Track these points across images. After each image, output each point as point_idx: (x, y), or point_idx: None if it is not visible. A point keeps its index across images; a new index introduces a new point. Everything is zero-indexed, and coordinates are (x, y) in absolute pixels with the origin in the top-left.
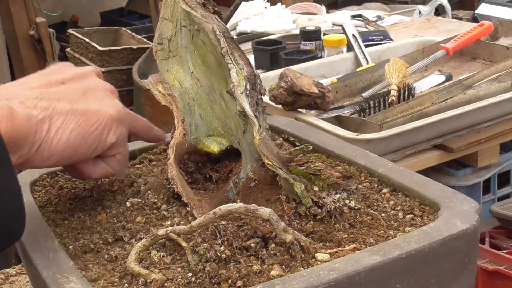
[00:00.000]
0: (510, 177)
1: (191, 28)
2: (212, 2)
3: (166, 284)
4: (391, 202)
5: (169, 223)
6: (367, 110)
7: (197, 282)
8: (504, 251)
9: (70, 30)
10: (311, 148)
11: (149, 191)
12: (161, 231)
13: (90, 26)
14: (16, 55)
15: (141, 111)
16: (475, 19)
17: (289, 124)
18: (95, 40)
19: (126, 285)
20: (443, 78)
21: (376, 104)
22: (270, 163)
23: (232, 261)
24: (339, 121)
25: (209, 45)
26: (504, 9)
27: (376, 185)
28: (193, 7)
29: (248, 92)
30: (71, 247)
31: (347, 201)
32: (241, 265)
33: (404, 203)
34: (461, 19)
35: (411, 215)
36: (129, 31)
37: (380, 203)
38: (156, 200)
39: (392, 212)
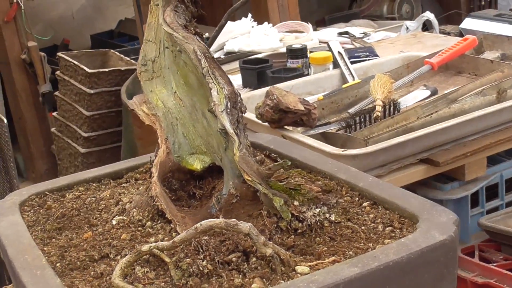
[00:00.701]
0: (499, 190)
1: (173, 49)
2: (193, 23)
3: None
4: (371, 215)
5: (153, 239)
6: (353, 126)
7: None
8: (494, 264)
9: (59, 54)
10: (289, 163)
11: (134, 209)
12: (144, 247)
13: (81, 49)
14: (8, 78)
15: (129, 131)
16: (460, 34)
17: (272, 141)
18: (84, 62)
19: None
20: (428, 92)
21: (362, 120)
22: (250, 178)
23: (214, 275)
24: (325, 137)
25: (190, 65)
26: (488, 23)
27: (357, 199)
28: (175, 29)
29: (228, 110)
30: (58, 264)
31: (327, 215)
32: (223, 279)
33: (384, 216)
34: (448, 33)
35: (390, 228)
36: (117, 53)
37: (360, 216)
38: (141, 218)
39: (372, 225)
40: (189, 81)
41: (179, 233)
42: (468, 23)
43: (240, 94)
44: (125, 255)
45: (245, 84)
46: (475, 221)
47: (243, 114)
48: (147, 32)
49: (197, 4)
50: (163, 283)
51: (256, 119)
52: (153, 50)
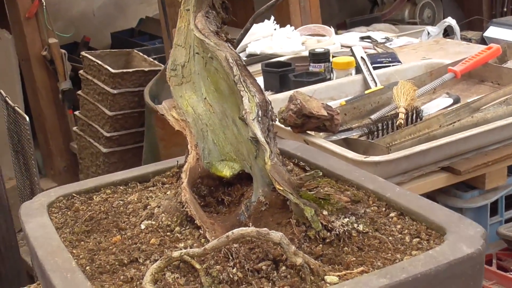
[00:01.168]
0: None
1: (204, 55)
2: (224, 30)
3: None
4: (398, 226)
5: (182, 245)
6: (375, 133)
7: None
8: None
9: (83, 53)
10: (320, 174)
11: (162, 214)
12: (175, 254)
13: (101, 46)
14: (28, 75)
15: (152, 132)
16: (483, 41)
17: (299, 148)
18: (108, 62)
19: None
20: (451, 101)
21: (384, 127)
22: (281, 188)
23: (244, 283)
24: (347, 143)
25: (222, 72)
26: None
27: (384, 209)
28: (206, 35)
29: (259, 119)
30: (88, 268)
31: (355, 225)
32: (253, 287)
33: (411, 227)
34: (470, 40)
35: (417, 239)
36: (140, 54)
37: (387, 227)
38: (169, 223)
39: (399, 235)
40: (220, 87)
41: (208, 239)
42: (492, 31)
43: (271, 102)
44: (155, 260)
45: (267, 87)
46: (494, 230)
47: (274, 123)
48: (176, 36)
49: (228, 10)
50: None
51: (278, 123)
52: (182, 55)
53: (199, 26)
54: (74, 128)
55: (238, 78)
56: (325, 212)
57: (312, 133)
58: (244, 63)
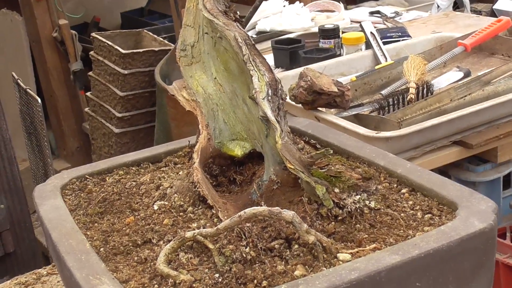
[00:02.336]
0: None
1: (213, 35)
2: (233, 10)
3: (194, 285)
4: (410, 202)
5: (195, 225)
6: (386, 108)
7: (224, 282)
8: None
9: (93, 34)
10: (331, 152)
11: (175, 194)
12: (188, 234)
13: (111, 27)
14: (39, 57)
15: (163, 112)
16: (493, 14)
17: (309, 125)
18: (118, 43)
19: (156, 286)
20: (461, 74)
21: (395, 102)
22: (292, 167)
23: (257, 262)
24: (358, 119)
25: (231, 52)
26: None
27: (395, 185)
28: (215, 15)
29: (270, 98)
30: (102, 249)
31: (367, 202)
32: (266, 266)
33: (422, 203)
34: (480, 12)
35: (429, 215)
36: (150, 33)
37: (399, 203)
38: (182, 203)
39: (411, 212)
40: (229, 67)
41: (220, 219)
42: (502, 3)
43: (280, 81)
44: (168, 240)
45: (277, 64)
46: (507, 203)
47: (284, 101)
48: (185, 17)
49: None
50: (207, 269)
51: (289, 100)
52: (192, 35)
53: (207, 6)
54: (86, 109)
55: (247, 57)
56: (336, 190)
57: (323, 109)
58: (253, 42)
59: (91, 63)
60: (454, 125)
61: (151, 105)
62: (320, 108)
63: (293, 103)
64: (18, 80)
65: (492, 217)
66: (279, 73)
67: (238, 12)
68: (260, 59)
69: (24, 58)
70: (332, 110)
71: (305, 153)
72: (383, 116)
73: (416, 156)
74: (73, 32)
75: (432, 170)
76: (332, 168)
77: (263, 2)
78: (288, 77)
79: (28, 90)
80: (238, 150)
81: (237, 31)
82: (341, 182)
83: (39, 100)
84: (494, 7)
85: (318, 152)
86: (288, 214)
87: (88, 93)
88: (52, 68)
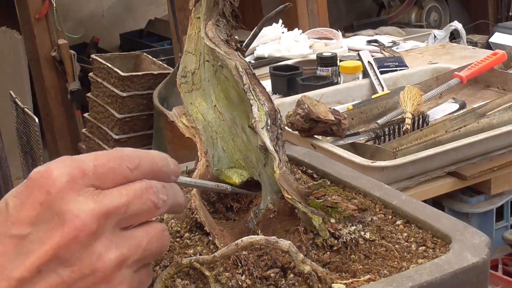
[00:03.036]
0: None
1: (214, 63)
2: (234, 38)
3: None
4: (405, 234)
5: (192, 251)
6: (382, 137)
7: None
8: None
9: (93, 56)
10: (328, 183)
11: (172, 220)
12: (185, 260)
13: (110, 47)
14: (37, 76)
15: (161, 135)
16: (489, 46)
17: (306, 154)
18: (117, 65)
19: None
20: (457, 106)
21: (391, 132)
22: (290, 197)
23: None
24: (354, 147)
25: (231, 80)
26: None
27: (390, 216)
28: (216, 44)
29: (269, 127)
30: None
31: (362, 233)
32: None
33: (417, 235)
34: (476, 43)
35: (423, 247)
36: (150, 57)
37: (394, 234)
38: (179, 229)
39: (406, 243)
40: (229, 95)
41: (217, 246)
42: (498, 37)
43: (280, 111)
44: (164, 266)
45: (275, 91)
46: (499, 235)
47: (282, 131)
48: (187, 44)
49: (238, 18)
50: None
51: (286, 128)
52: (193, 62)
53: (209, 35)
54: (83, 130)
55: (247, 87)
56: (332, 220)
57: (320, 137)
58: (253, 71)
59: (89, 83)
60: (448, 156)
61: (148, 128)
62: (316, 136)
63: (290, 130)
64: (16, 99)
65: (485, 251)
66: (277, 100)
67: (239, 41)
68: (260, 89)
69: (22, 76)
70: (329, 138)
71: (302, 183)
72: (379, 146)
73: (410, 186)
74: (72, 52)
75: (426, 200)
76: (329, 198)
77: (263, 28)
78: (286, 104)
79: (25, 109)
80: (236, 178)
81: (238, 60)
82: (337, 212)
83: (37, 120)
84: (490, 40)
85: (315, 183)
86: (285, 243)
87: (85, 114)
88: (49, 87)
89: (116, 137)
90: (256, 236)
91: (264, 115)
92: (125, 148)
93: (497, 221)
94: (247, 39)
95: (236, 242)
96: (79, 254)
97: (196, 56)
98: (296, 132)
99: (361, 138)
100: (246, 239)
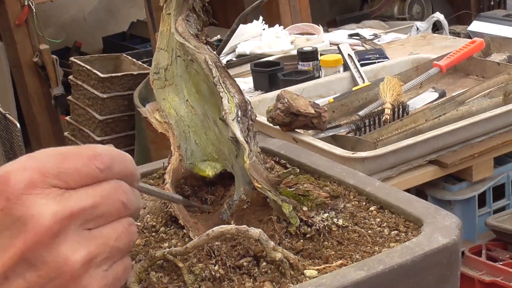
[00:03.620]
0: (505, 190)
1: (185, 58)
2: (204, 32)
3: None
4: (378, 220)
5: (167, 244)
6: (363, 129)
7: None
8: (501, 263)
9: (72, 58)
10: (298, 171)
11: (148, 215)
12: (158, 253)
13: (93, 51)
14: (20, 82)
15: (142, 135)
16: (469, 36)
17: (282, 146)
18: (97, 67)
19: None
20: (436, 95)
21: (371, 123)
22: (260, 186)
23: (226, 280)
24: (335, 140)
25: (202, 74)
26: (495, 26)
27: (364, 203)
28: (186, 38)
29: (239, 119)
30: None
31: (335, 220)
32: (235, 283)
33: (390, 220)
34: (458, 34)
35: (396, 231)
36: (129, 58)
37: (367, 220)
38: (154, 223)
39: (378, 229)
40: (200, 89)
41: (191, 239)
42: (476, 25)
43: (250, 102)
44: (140, 260)
45: (257, 87)
46: (482, 221)
47: (253, 122)
48: (159, 40)
49: (209, 13)
50: None
51: (267, 122)
52: (165, 58)
53: (179, 30)
54: (66, 133)
55: (217, 79)
56: (305, 208)
57: (301, 131)
58: (223, 64)
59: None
60: (429, 145)
61: (130, 129)
62: (297, 130)
63: (271, 124)
64: None
65: (455, 232)
66: (258, 96)
67: (209, 35)
68: (230, 81)
69: (5, 83)
70: (310, 131)
71: (275, 173)
72: (359, 137)
73: (392, 176)
74: (54, 57)
75: (408, 189)
76: (301, 187)
77: (243, 25)
78: (267, 99)
79: (7, 115)
80: (209, 170)
81: (208, 54)
82: (309, 200)
83: (18, 125)
84: (468, 29)
85: (285, 171)
86: (255, 231)
87: (67, 117)
88: (33, 93)
89: (99, 139)
90: (227, 225)
91: (234, 107)
92: (98, 145)
93: (480, 208)
94: (226, 36)
95: (207, 232)
96: (44, 258)
97: (168, 52)
98: (277, 127)
99: (342, 130)
100: (217, 228)
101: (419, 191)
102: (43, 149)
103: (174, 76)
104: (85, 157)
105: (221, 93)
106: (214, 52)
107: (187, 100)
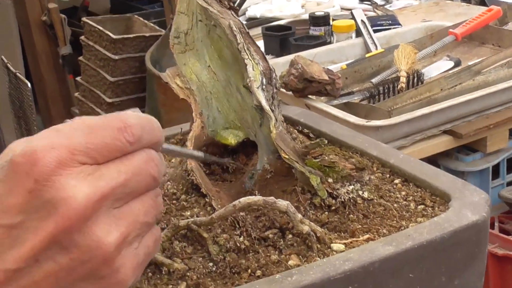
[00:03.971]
0: None
1: (207, 23)
2: None
3: (188, 274)
4: (403, 193)
5: (188, 213)
6: (377, 96)
7: (218, 271)
8: None
9: (84, 19)
10: (326, 142)
11: (168, 182)
12: (182, 222)
13: (100, 11)
14: (28, 40)
15: (154, 98)
16: (483, 3)
17: (301, 114)
18: (108, 28)
19: (150, 274)
20: (451, 63)
21: (386, 90)
22: (287, 156)
23: (251, 251)
24: (349, 107)
25: (225, 40)
26: None
27: (388, 175)
28: (209, 3)
29: (264, 87)
30: None
31: (360, 192)
32: (260, 255)
33: (415, 194)
34: (469, 1)
35: (422, 206)
36: (141, 19)
37: (392, 193)
38: (175, 191)
39: (404, 202)
40: (223, 55)
41: (213, 207)
42: None
43: (275, 70)
44: (161, 228)
45: (268, 51)
46: (496, 193)
47: (278, 90)
48: (179, 3)
49: None
50: (200, 258)
51: (280, 88)
52: (185, 22)
53: None
54: (76, 94)
55: (242, 46)
56: (330, 180)
57: (314, 97)
58: (247, 30)
59: (80, 48)
60: (444, 115)
61: (141, 91)
62: (310, 96)
63: (284, 90)
64: (8, 64)
65: (485, 209)
66: (270, 60)
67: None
68: (255, 48)
69: (13, 41)
70: (323, 98)
71: (299, 143)
72: (373, 105)
73: (406, 145)
74: (63, 16)
75: (422, 159)
76: (326, 158)
77: None
78: (279, 64)
79: (17, 74)
80: (231, 138)
81: (232, 19)
82: (334, 172)
83: (29, 84)
84: None
85: (312, 142)
86: (283, 204)
87: (78, 78)
88: (41, 52)
89: (109, 100)
90: (253, 197)
91: (259, 75)
92: (127, 114)
93: (493, 179)
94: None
95: (233, 203)
96: (76, 241)
97: (188, 16)
98: (290, 93)
99: (355, 98)
100: (244, 199)
101: (432, 161)
102: (70, 121)
103: (195, 40)
104: (115, 130)
105: (245, 60)
106: (238, 18)
107: (209, 66)
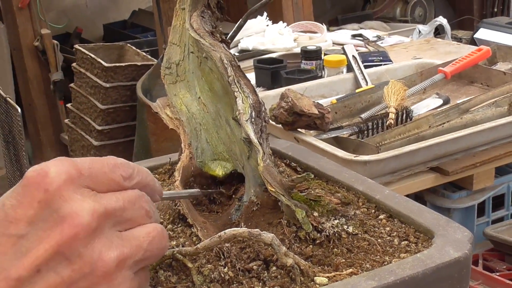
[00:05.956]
0: (505, 200)
1: (199, 55)
2: (220, 30)
3: None
4: (387, 228)
5: (174, 243)
6: (365, 132)
7: None
8: (497, 274)
9: (76, 46)
10: (312, 176)
11: None
12: (167, 252)
13: (93, 38)
14: (20, 65)
15: (143, 126)
16: (473, 42)
17: (290, 148)
18: (101, 55)
19: None
20: (440, 101)
21: (374, 126)
22: (273, 189)
23: (235, 282)
24: (337, 141)
25: (216, 72)
26: (502, 34)
27: (373, 211)
28: (201, 35)
29: (253, 120)
30: None
31: (345, 227)
32: (244, 286)
33: (400, 230)
34: (460, 39)
35: (406, 242)
36: (133, 48)
37: (376, 229)
38: (162, 220)
39: (388, 238)
40: (214, 87)
41: (199, 238)
42: (482, 32)
43: (264, 103)
44: None
45: (259, 84)
46: (481, 230)
47: (267, 124)
48: (171, 35)
49: (223, 9)
50: None
51: (270, 121)
52: (177, 53)
53: (194, 26)
54: (66, 121)
55: (232, 78)
56: (315, 214)
57: (303, 131)
58: (238, 63)
59: (71, 74)
60: (431, 152)
61: (131, 119)
62: (300, 129)
63: (273, 123)
64: None
65: (467, 246)
66: (261, 93)
67: (224, 33)
68: (245, 81)
69: (4, 66)
70: (312, 131)
71: (286, 176)
72: (362, 140)
73: (393, 181)
74: (55, 42)
75: (408, 195)
76: (312, 192)
77: (247, 20)
78: (269, 97)
79: (8, 98)
80: (219, 170)
81: (223, 52)
82: (320, 206)
83: (19, 110)
84: (475, 36)
85: (299, 176)
86: (268, 236)
87: (68, 105)
88: (32, 77)
89: (99, 128)
90: (239, 228)
91: (248, 108)
92: (118, 158)
93: (479, 217)
94: (232, 32)
95: (219, 234)
96: (79, 253)
97: (180, 47)
98: (280, 125)
99: (344, 132)
100: (229, 231)
101: (418, 197)
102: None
103: (186, 72)
104: (111, 165)
105: (235, 93)
106: (230, 51)
107: (199, 98)
